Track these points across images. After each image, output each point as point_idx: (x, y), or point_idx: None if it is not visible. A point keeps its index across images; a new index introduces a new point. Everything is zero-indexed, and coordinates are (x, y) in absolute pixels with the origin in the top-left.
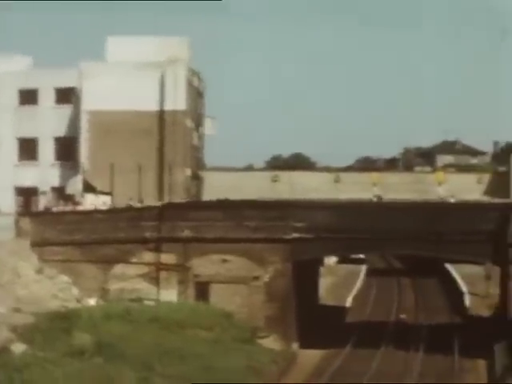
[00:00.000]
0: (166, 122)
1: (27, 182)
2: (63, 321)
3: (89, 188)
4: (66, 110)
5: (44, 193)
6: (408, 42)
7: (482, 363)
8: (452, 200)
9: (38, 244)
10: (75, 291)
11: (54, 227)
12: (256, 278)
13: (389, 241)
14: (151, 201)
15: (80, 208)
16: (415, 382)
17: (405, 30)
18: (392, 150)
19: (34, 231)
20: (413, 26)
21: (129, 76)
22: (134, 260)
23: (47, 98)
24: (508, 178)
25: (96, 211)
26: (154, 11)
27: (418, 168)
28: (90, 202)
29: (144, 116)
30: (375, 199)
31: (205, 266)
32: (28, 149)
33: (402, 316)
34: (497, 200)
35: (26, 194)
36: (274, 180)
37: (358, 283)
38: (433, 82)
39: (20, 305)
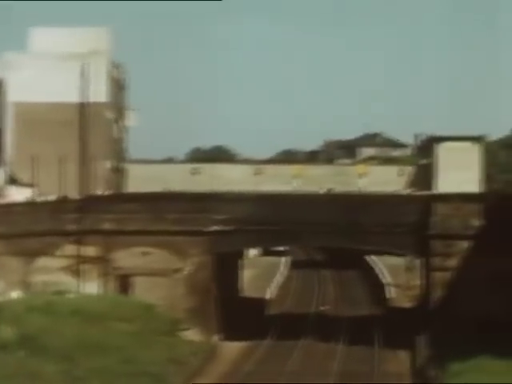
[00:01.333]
0: (87, 114)
1: None
2: None
3: (13, 180)
4: None
5: None
6: (330, 35)
7: (403, 354)
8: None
9: None
10: None
11: None
12: (177, 271)
13: (309, 233)
14: (73, 193)
15: (3, 200)
16: (336, 373)
17: (327, 24)
18: (313, 143)
19: None
20: (336, 20)
21: (51, 67)
22: (57, 253)
23: None
24: (429, 170)
25: (17, 204)
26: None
27: (339, 161)
28: (14, 194)
29: (66, 108)
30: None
31: (126, 258)
32: None
33: (323, 308)
34: (418, 192)
35: None
36: (195, 172)
37: (279, 275)
38: (355, 76)
39: None
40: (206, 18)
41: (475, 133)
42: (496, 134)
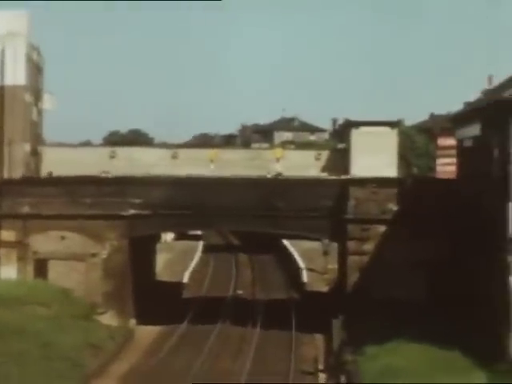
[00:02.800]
0: (5, 97)
1: None
2: None
3: None
4: None
5: None
6: (247, 18)
7: (319, 337)
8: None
9: None
10: None
11: None
12: (94, 255)
13: (226, 217)
14: None
15: None
16: (251, 356)
17: (241, 7)
18: (229, 127)
19: None
20: (249, 3)
21: None
22: None
23: None
24: (346, 155)
25: None
26: None
27: (255, 145)
28: None
29: None
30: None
31: (44, 242)
32: None
33: (239, 292)
34: (335, 176)
35: None
36: (112, 156)
37: (195, 259)
38: (273, 60)
39: None
40: (125, 3)
41: (392, 118)
42: (414, 119)
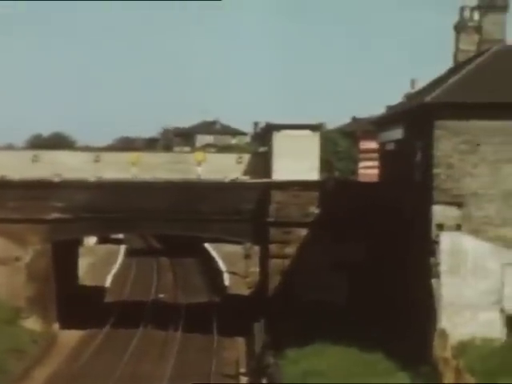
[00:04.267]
0: None
1: None
2: None
3: None
4: None
5: None
6: (167, 21)
7: (241, 341)
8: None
9: None
10: None
11: None
12: (17, 259)
13: (148, 221)
14: None
15: None
16: (173, 359)
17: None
18: (151, 130)
19: None
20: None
21: None
22: None
23: None
24: (268, 158)
25: None
26: None
27: (177, 148)
28: None
29: None
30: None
31: None
32: None
33: (161, 295)
34: (256, 180)
35: None
36: (35, 160)
37: (117, 263)
38: (193, 63)
39: None
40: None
41: (315, 121)
42: (336, 122)
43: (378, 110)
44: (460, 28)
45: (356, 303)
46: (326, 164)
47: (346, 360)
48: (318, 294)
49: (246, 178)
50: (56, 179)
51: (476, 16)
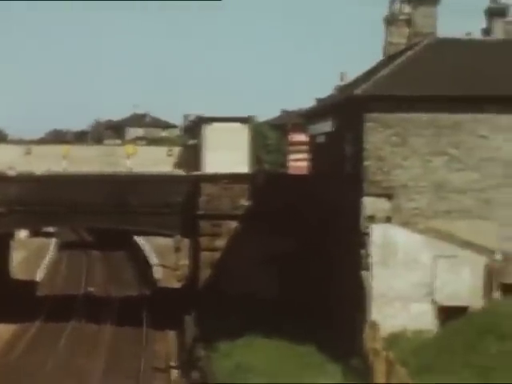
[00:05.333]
0: None
1: None
2: None
3: None
4: None
5: None
6: (106, 20)
7: (172, 334)
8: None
9: None
10: None
11: None
12: None
13: (79, 214)
14: None
15: None
16: (106, 353)
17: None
18: (82, 123)
19: None
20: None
21: None
22: None
23: None
24: (198, 151)
25: None
26: None
27: (108, 141)
28: None
29: None
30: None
31: None
32: None
33: (91, 289)
34: (187, 172)
35: None
36: None
37: (48, 257)
38: (125, 57)
39: None
40: None
41: (245, 114)
42: (266, 115)
43: (307, 102)
44: (390, 21)
45: (287, 296)
46: (255, 157)
47: (277, 353)
48: (249, 287)
49: (177, 171)
50: None
51: (407, 9)
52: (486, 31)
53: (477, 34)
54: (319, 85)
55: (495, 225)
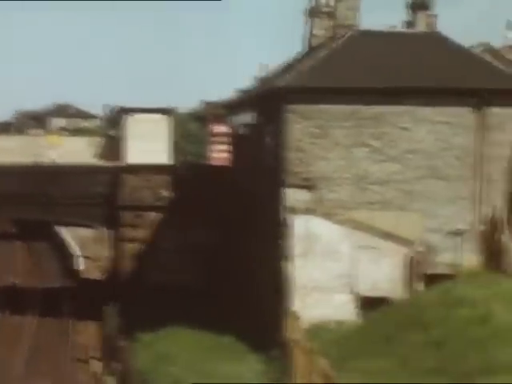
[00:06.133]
0: None
1: None
2: None
3: None
4: None
5: None
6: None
7: (94, 325)
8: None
9: None
10: None
11: None
12: None
13: (2, 205)
14: None
15: None
16: (29, 345)
17: None
18: (5, 114)
19: None
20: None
21: None
22: None
23: None
24: (119, 142)
25: None
26: None
27: (31, 131)
28: None
29: None
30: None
31: None
32: None
33: (14, 281)
34: (108, 163)
35: None
36: None
37: None
38: (48, 48)
39: None
40: None
41: (166, 105)
42: (187, 106)
43: (227, 93)
44: (313, 13)
45: (210, 287)
46: (177, 148)
47: (198, 343)
48: (171, 278)
49: (99, 162)
50: None
51: (331, 1)
52: (409, 24)
53: (400, 27)
54: (239, 76)
55: (417, 216)
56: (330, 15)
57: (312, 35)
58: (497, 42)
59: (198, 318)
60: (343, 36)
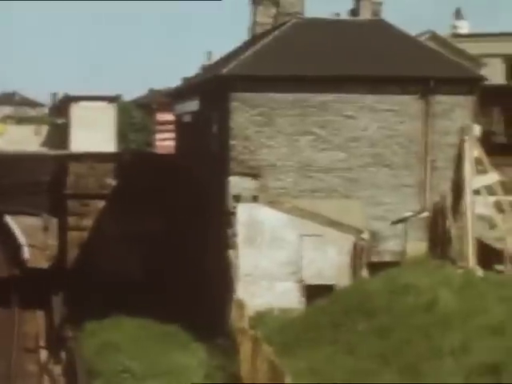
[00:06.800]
0: None
1: None
2: None
3: None
4: None
5: None
6: None
7: (40, 314)
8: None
9: None
10: None
11: None
12: None
13: None
14: None
15: None
16: None
17: None
18: None
19: None
20: None
21: None
22: None
23: None
24: (65, 130)
25: None
26: None
27: None
28: None
29: None
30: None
31: None
32: None
33: None
34: (54, 151)
35: None
36: None
37: None
38: None
39: None
40: None
41: (112, 93)
42: (133, 94)
43: (175, 81)
44: (257, 0)
45: (155, 275)
46: (122, 136)
47: (143, 332)
48: (117, 267)
49: (45, 150)
50: None
51: None
52: (354, 12)
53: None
54: (187, 64)
55: (362, 204)
56: (275, 3)
57: (256, 23)
58: (445, 31)
59: (144, 307)
60: (287, 24)
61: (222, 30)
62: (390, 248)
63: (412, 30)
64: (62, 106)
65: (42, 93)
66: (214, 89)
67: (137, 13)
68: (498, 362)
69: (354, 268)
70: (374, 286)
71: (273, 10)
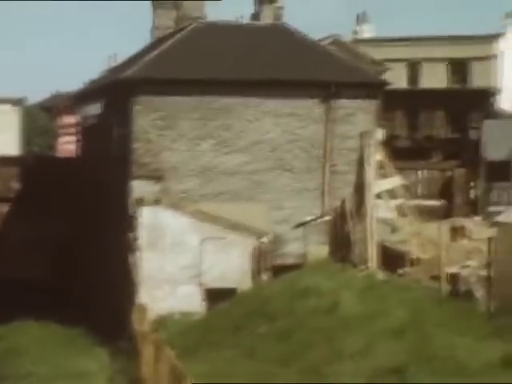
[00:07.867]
0: None
1: None
2: None
3: None
4: None
5: None
6: None
7: None
8: None
9: None
10: None
11: None
12: None
13: None
14: None
15: None
16: None
17: None
18: None
19: None
20: None
21: None
22: None
23: None
24: None
25: None
26: None
27: None
28: None
29: None
30: None
31: None
32: None
33: None
34: None
35: None
36: None
37: None
38: None
39: None
40: None
41: (16, 95)
42: (38, 97)
43: (80, 84)
44: (157, 4)
45: (60, 279)
46: (25, 139)
47: (47, 336)
48: (21, 271)
49: None
50: None
51: None
52: (255, 16)
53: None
54: (94, 66)
55: (265, 207)
56: (176, 6)
57: (157, 26)
58: (349, 36)
59: (48, 312)
60: (188, 27)
61: (130, 32)
62: (293, 251)
63: (317, 35)
64: None
65: None
66: (116, 92)
67: (46, 13)
68: (399, 365)
69: (256, 271)
70: (275, 289)
71: (174, 13)
